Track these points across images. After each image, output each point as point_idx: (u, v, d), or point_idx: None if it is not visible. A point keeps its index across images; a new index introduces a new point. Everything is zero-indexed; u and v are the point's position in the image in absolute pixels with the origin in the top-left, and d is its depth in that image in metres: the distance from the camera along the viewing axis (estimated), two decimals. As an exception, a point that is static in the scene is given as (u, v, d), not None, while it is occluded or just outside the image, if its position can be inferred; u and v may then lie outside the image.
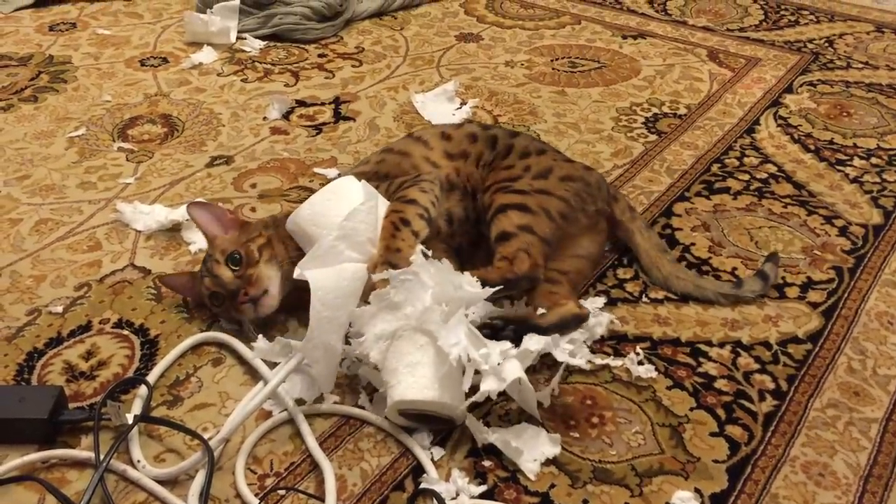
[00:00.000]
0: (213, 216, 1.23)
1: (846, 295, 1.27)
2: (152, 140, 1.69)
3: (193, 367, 1.15)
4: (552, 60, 2.04)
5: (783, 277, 1.30)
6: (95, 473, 0.95)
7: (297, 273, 1.06)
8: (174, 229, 1.41)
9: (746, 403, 1.09)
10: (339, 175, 1.39)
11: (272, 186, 1.54)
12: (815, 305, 1.25)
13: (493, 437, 1.00)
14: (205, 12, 2.14)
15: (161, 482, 0.97)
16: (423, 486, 0.97)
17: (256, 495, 0.96)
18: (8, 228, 1.42)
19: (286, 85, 1.92)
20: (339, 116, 1.79)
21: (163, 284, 1.27)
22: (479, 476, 0.99)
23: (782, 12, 2.31)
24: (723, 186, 1.53)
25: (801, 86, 1.90)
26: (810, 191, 1.52)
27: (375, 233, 1.12)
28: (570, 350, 1.05)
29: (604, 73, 1.97)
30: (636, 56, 2.05)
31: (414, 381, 0.99)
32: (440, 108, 1.80)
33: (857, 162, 1.61)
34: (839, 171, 1.58)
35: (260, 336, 1.14)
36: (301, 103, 1.84)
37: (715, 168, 1.59)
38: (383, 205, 1.16)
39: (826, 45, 2.11)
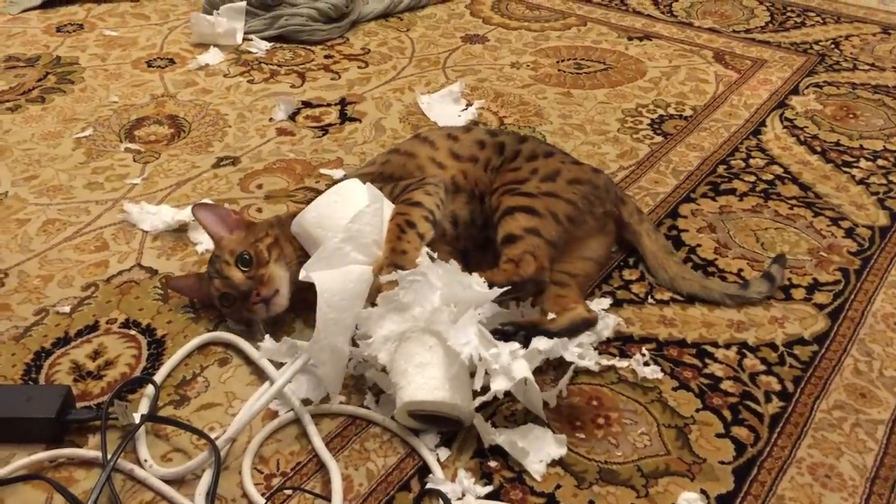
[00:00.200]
0: (217, 217, 1.24)
1: (852, 296, 1.27)
2: (159, 141, 1.70)
3: (200, 366, 1.15)
4: (558, 62, 2.04)
5: (789, 279, 1.30)
6: (103, 472, 0.96)
7: (302, 275, 1.07)
8: (181, 230, 1.41)
9: (752, 405, 1.09)
10: (345, 176, 1.40)
11: (278, 187, 1.54)
12: (821, 307, 1.25)
13: (501, 438, 1.01)
14: (211, 14, 2.15)
15: (168, 481, 0.98)
16: (429, 486, 0.97)
17: (263, 495, 0.96)
18: (16, 229, 1.43)
19: (292, 86, 1.93)
20: (345, 117, 1.79)
21: (168, 287, 1.27)
22: (484, 476, 0.99)
23: (788, 14, 2.31)
24: (729, 188, 1.53)
25: (807, 87, 1.90)
26: (816, 192, 1.52)
27: (381, 235, 1.12)
28: (578, 353, 1.06)
29: (609, 74, 1.97)
30: (642, 57, 2.05)
31: (424, 381, 0.99)
32: (446, 109, 1.80)
33: (863, 163, 1.61)
34: (845, 172, 1.58)
35: (267, 336, 1.14)
36: (307, 104, 1.84)
37: (721, 169, 1.59)
38: (388, 207, 1.17)
39: (832, 46, 2.11)
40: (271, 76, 1.97)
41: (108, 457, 0.98)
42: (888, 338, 1.19)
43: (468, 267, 1.16)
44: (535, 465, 0.99)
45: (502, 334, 1.06)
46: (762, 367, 1.15)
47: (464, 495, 0.96)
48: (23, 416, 1.02)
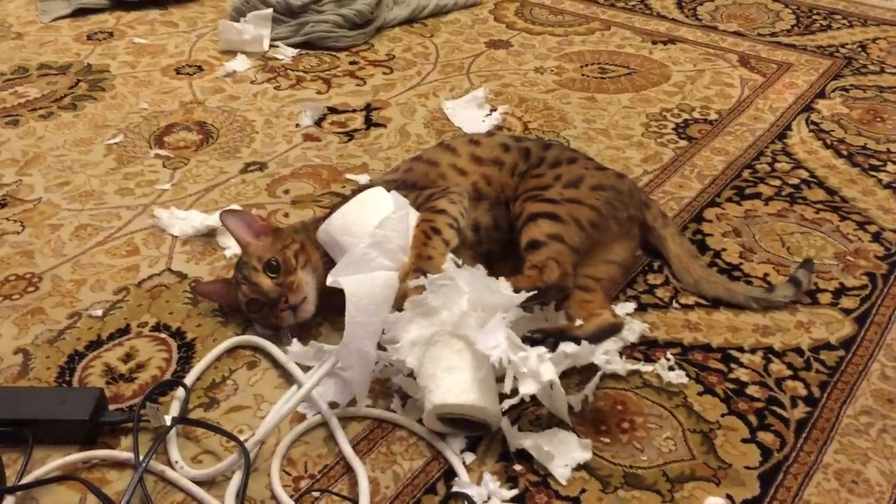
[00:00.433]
0: (244, 223, 1.25)
1: (880, 301, 1.26)
2: (188, 147, 1.72)
3: (229, 370, 1.17)
4: (582, 66, 2.04)
5: (815, 283, 1.29)
6: (135, 474, 0.98)
7: (330, 280, 1.08)
8: (209, 234, 1.43)
9: (778, 410, 1.09)
10: (371, 181, 1.41)
11: (305, 192, 1.56)
12: (847, 312, 1.25)
13: (528, 442, 1.01)
14: (238, 21, 2.17)
15: (198, 483, 1.00)
16: (454, 489, 0.98)
17: (291, 496, 0.98)
18: (49, 234, 1.46)
19: (318, 92, 1.95)
20: (370, 123, 1.81)
21: (195, 293, 1.29)
22: (510, 480, 1.00)
23: (814, 17, 2.30)
24: (754, 192, 1.53)
25: (833, 91, 1.89)
26: (843, 196, 1.51)
27: (407, 241, 1.14)
28: (606, 359, 1.07)
29: (634, 78, 1.97)
30: (666, 62, 2.05)
31: (453, 384, 1.00)
32: (470, 114, 1.81)
33: (890, 167, 1.60)
34: (872, 176, 1.57)
35: (294, 340, 1.16)
36: (333, 110, 1.86)
37: (746, 174, 1.58)
38: (413, 215, 1.18)
39: (859, 49, 2.10)
40: (297, 82, 1.99)
41: (141, 458, 1.00)
42: (916, 343, 1.19)
43: (491, 271, 1.17)
44: (561, 470, 1.00)
45: (531, 341, 1.07)
46: (788, 372, 1.14)
47: (489, 499, 0.96)
48: (57, 417, 1.05)
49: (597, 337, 1.11)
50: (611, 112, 1.82)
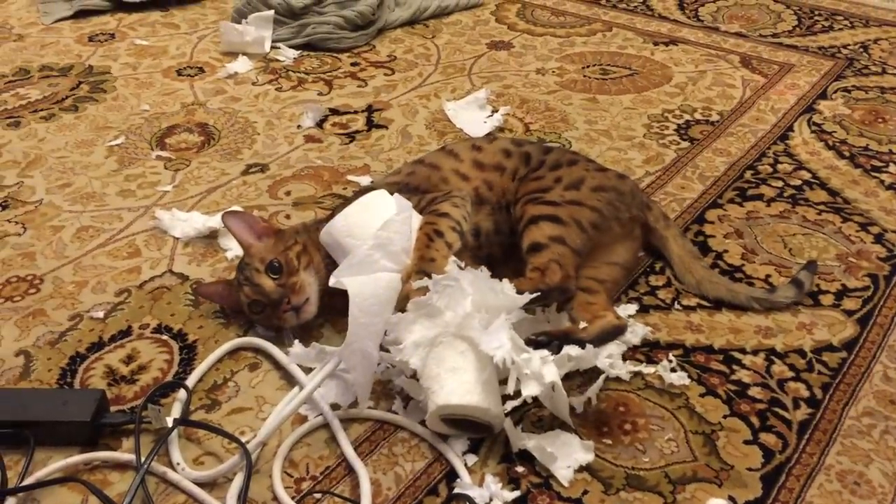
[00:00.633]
0: (246, 224, 1.26)
1: (882, 302, 1.26)
2: (189, 148, 1.73)
3: (231, 371, 1.17)
4: (583, 68, 2.04)
5: (818, 285, 1.29)
6: (137, 475, 0.98)
7: (332, 281, 1.08)
8: (211, 236, 1.43)
9: (780, 411, 1.09)
10: (372, 183, 1.41)
11: (306, 194, 1.56)
12: (850, 313, 1.24)
13: (531, 443, 1.01)
14: (240, 22, 2.18)
15: (200, 484, 0.99)
16: (456, 490, 0.98)
17: (293, 498, 0.98)
18: (50, 235, 1.46)
19: (319, 93, 1.95)
20: (371, 124, 1.81)
21: (197, 295, 1.29)
22: (512, 482, 1.00)
23: (816, 18, 2.30)
24: (756, 193, 1.53)
25: (835, 92, 1.89)
26: (845, 197, 1.51)
27: (409, 243, 1.14)
28: (609, 363, 1.07)
29: (635, 79, 1.97)
30: (668, 63, 2.04)
31: (457, 385, 1.00)
32: (472, 115, 1.81)
33: (892, 168, 1.60)
34: (874, 177, 1.57)
35: (296, 341, 1.16)
36: (334, 112, 1.86)
37: (748, 175, 1.58)
38: (416, 218, 1.18)
39: (861, 50, 2.10)
40: (299, 84, 1.99)
41: (142, 460, 1.00)
42: (918, 344, 1.19)
43: (492, 274, 1.17)
44: (563, 471, 1.00)
45: (535, 344, 1.07)
46: (790, 374, 1.14)
47: (491, 500, 0.96)
48: (59, 419, 1.04)
49: (601, 339, 1.11)
50: (612, 113, 1.82)
